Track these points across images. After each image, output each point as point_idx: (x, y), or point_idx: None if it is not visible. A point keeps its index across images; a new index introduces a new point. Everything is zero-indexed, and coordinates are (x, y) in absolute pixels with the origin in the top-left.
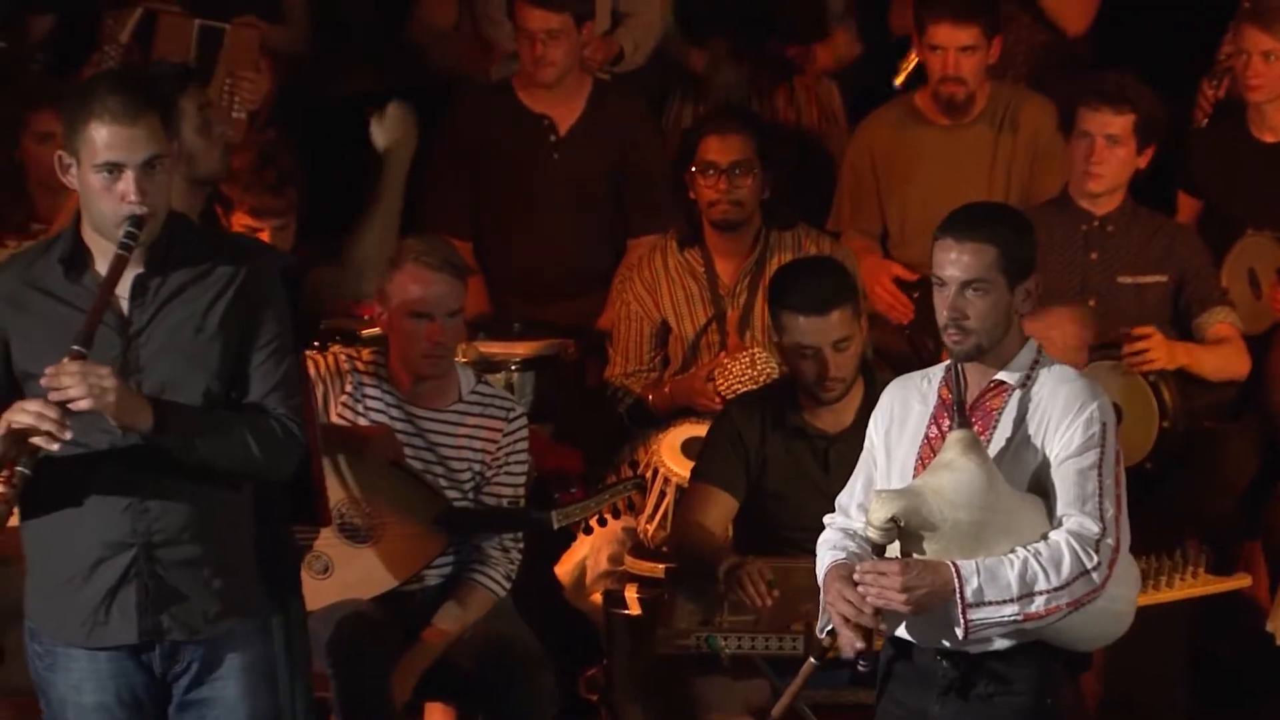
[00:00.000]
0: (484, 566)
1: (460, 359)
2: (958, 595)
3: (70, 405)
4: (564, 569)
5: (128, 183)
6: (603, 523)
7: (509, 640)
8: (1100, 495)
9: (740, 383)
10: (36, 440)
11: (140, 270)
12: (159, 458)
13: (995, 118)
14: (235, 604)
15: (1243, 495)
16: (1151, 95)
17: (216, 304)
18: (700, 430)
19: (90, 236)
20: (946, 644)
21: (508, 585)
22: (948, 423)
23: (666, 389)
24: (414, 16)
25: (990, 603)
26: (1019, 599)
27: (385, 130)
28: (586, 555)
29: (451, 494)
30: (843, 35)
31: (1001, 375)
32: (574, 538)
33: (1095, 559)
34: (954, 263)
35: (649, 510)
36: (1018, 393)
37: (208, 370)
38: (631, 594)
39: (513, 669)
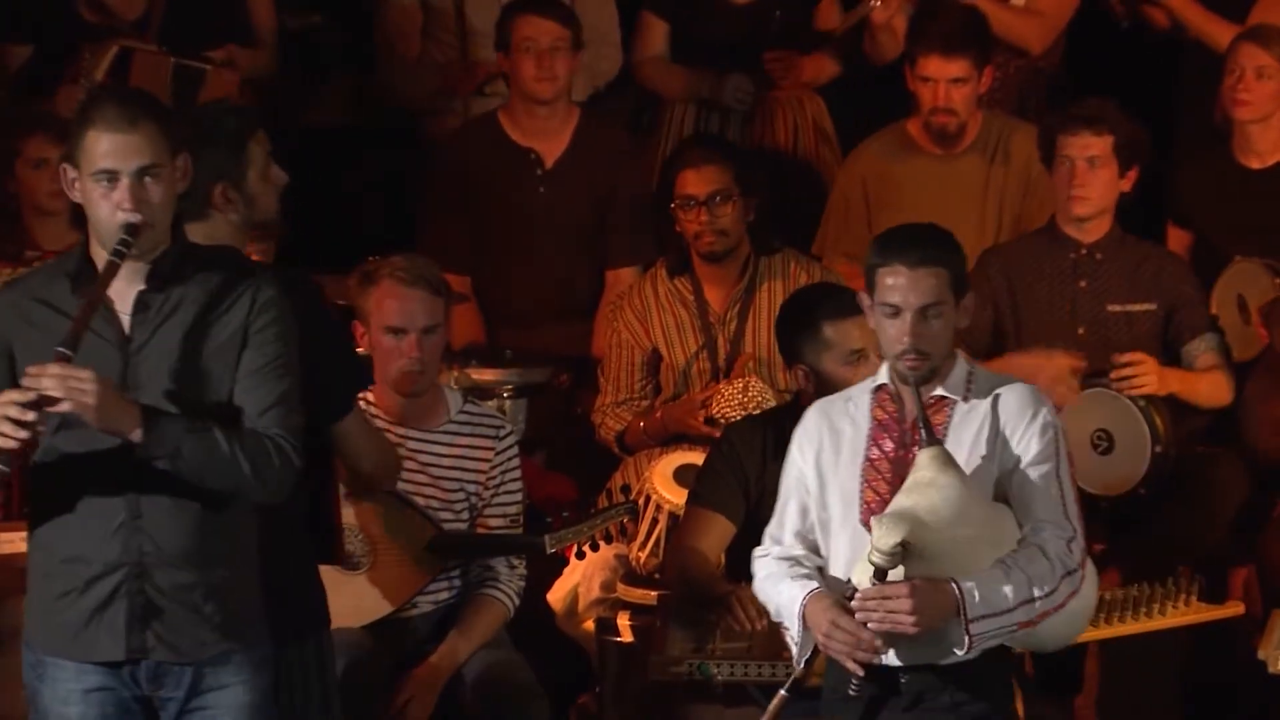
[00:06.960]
0: (496, 582)
1: (451, 385)
2: (962, 613)
3: (48, 406)
4: (556, 596)
5: (122, 191)
6: (595, 547)
7: (502, 668)
8: (1063, 498)
9: (731, 409)
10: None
11: (143, 287)
12: (157, 479)
13: (987, 148)
14: (231, 632)
15: (1234, 520)
16: (1128, 119)
17: (218, 322)
18: (693, 457)
19: (96, 251)
20: (934, 660)
21: (518, 601)
22: (890, 443)
23: (658, 415)
24: (380, 50)
25: (989, 615)
26: (1016, 608)
27: None
28: (579, 582)
29: (443, 515)
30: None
31: (941, 390)
32: (566, 563)
33: (1074, 559)
34: (910, 289)
35: (641, 537)
36: (960, 405)
37: (206, 388)
38: (624, 621)
39: (506, 697)
